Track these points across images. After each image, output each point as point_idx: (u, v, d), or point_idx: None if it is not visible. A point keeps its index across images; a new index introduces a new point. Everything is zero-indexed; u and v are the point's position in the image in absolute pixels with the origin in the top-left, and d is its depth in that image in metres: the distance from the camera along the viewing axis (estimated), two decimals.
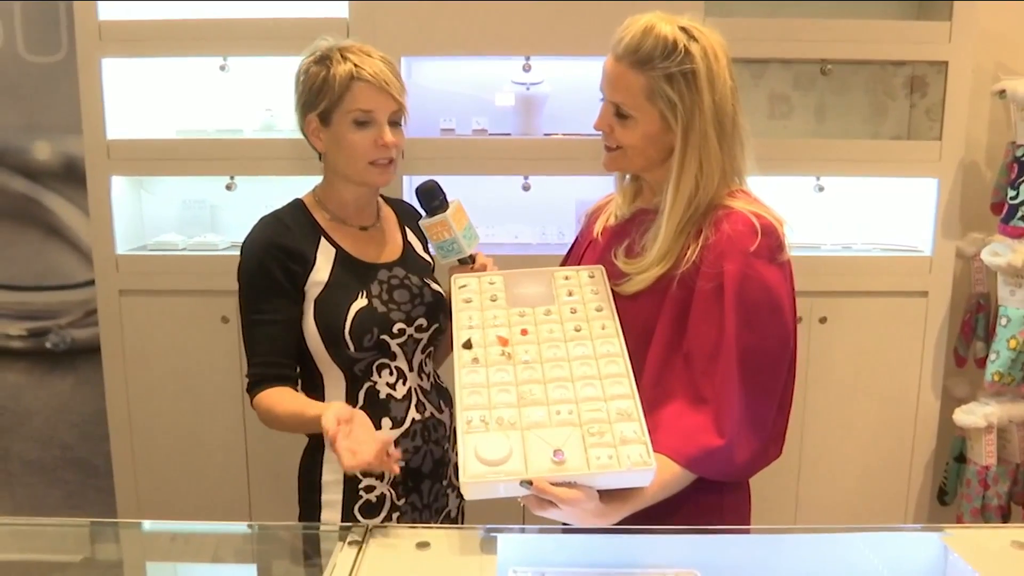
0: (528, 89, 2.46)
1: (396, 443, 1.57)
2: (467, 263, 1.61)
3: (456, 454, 1.74)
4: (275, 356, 1.57)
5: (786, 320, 1.37)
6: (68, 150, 2.70)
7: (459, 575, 1.13)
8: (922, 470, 2.54)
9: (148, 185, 2.62)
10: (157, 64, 2.51)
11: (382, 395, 1.62)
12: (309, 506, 1.64)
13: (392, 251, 1.71)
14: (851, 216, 2.64)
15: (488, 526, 1.22)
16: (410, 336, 1.63)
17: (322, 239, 1.62)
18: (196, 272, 2.45)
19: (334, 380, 1.61)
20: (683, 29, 1.36)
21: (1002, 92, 2.36)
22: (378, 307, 1.59)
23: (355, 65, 1.54)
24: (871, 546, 1.23)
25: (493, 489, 1.17)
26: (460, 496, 1.76)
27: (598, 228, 1.58)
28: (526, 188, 2.46)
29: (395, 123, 1.61)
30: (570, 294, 1.45)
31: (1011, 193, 2.37)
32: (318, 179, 1.72)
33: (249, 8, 2.44)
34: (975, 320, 2.55)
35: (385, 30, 2.31)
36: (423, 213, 1.60)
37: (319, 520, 1.61)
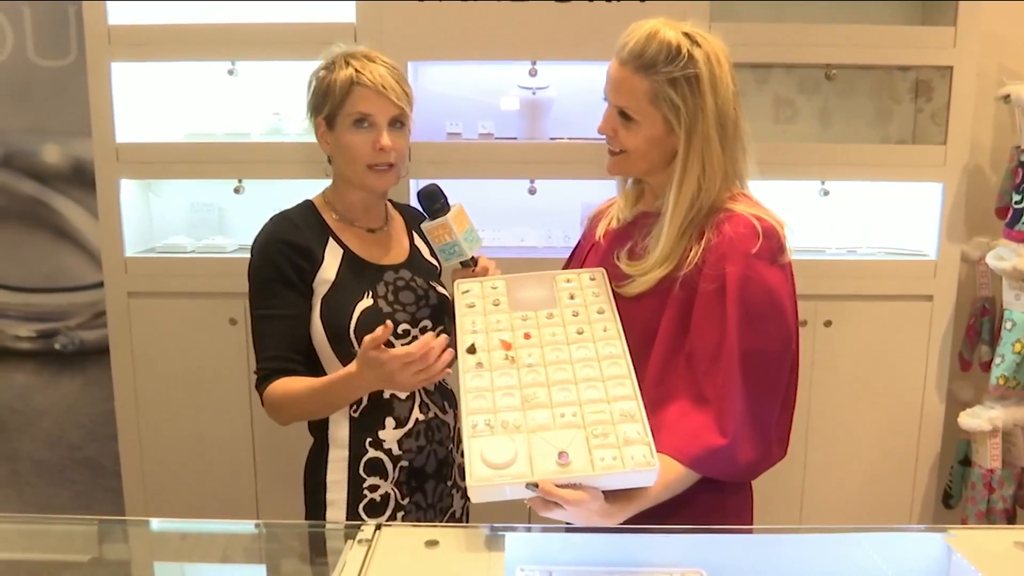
0: (534, 93, 2.47)
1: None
2: (469, 266, 1.63)
3: (461, 455, 1.77)
4: (284, 351, 1.59)
5: (787, 321, 1.38)
6: (77, 153, 2.73)
7: (467, 573, 1.14)
8: (927, 473, 2.55)
9: (156, 188, 2.64)
10: (166, 68, 2.53)
11: (386, 395, 1.63)
12: (314, 505, 1.65)
13: (399, 253, 1.73)
14: (856, 220, 2.65)
15: (495, 525, 1.23)
16: (414, 337, 1.65)
17: (330, 239, 1.64)
18: (204, 274, 2.46)
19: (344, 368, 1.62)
20: (686, 35, 1.38)
21: (1007, 96, 2.36)
22: (383, 307, 1.61)
23: (356, 70, 1.58)
24: (875, 546, 1.23)
25: (499, 492, 1.19)
26: (465, 497, 1.77)
27: (600, 231, 1.59)
28: (532, 192, 2.48)
29: (397, 128, 1.63)
30: (572, 297, 1.46)
31: (1016, 197, 2.37)
32: (325, 182, 1.75)
33: (257, 13, 2.46)
34: (980, 324, 2.56)
35: (392, 35, 2.33)
36: (425, 216, 1.62)
37: (324, 519, 1.63)
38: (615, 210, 1.59)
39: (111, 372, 2.53)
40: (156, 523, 1.75)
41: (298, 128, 2.49)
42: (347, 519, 1.61)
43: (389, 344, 1.60)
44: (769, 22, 2.51)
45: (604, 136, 1.48)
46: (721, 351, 1.34)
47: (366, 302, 1.60)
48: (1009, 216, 2.39)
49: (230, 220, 2.67)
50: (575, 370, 1.33)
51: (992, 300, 2.54)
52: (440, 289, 1.73)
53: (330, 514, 1.62)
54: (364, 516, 1.62)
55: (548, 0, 2.34)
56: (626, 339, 1.38)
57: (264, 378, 1.59)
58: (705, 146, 1.38)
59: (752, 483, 1.50)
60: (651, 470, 1.19)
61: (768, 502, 2.16)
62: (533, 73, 2.42)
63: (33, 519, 1.85)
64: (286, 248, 1.59)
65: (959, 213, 2.44)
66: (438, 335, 1.68)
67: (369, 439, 1.63)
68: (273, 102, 2.58)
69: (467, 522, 1.81)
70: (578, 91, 2.53)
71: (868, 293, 2.46)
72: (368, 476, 1.62)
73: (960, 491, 2.57)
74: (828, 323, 2.47)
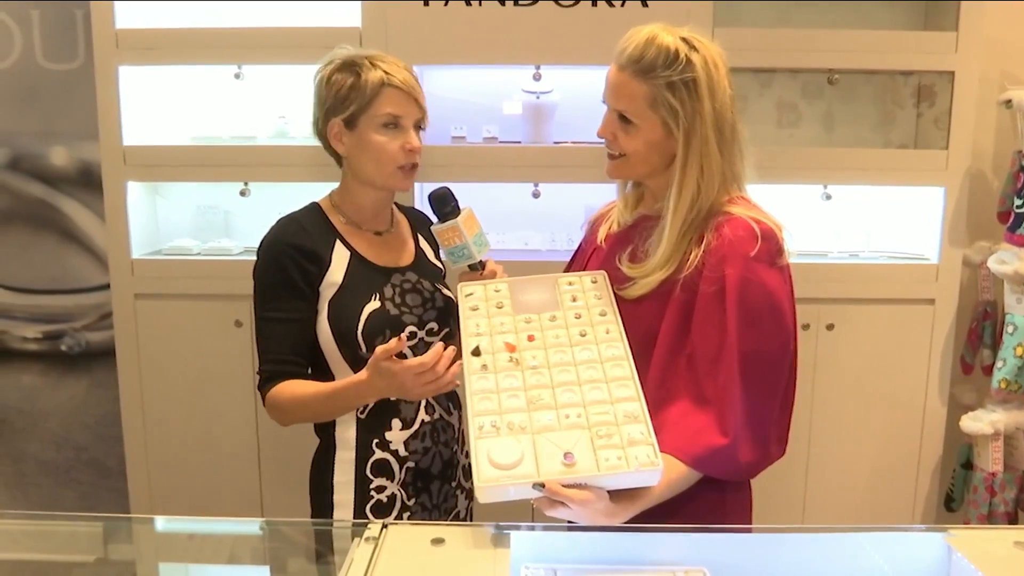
0: (538, 98, 2.49)
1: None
2: (477, 269, 1.64)
3: (466, 456, 1.78)
4: (288, 354, 1.60)
5: (786, 322, 1.40)
6: (84, 156, 2.74)
7: (473, 571, 1.15)
8: (929, 477, 2.56)
9: (163, 191, 2.66)
10: (173, 72, 2.55)
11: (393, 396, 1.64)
12: (321, 507, 1.66)
13: (405, 256, 1.74)
14: (858, 224, 2.66)
15: (500, 523, 1.25)
16: (421, 339, 1.66)
17: (337, 242, 1.65)
18: (210, 276, 2.48)
19: (353, 375, 1.63)
20: (684, 40, 1.40)
21: (1008, 102, 2.37)
22: (390, 310, 1.62)
23: (385, 72, 1.59)
24: (876, 546, 1.24)
25: (506, 492, 1.20)
26: (469, 497, 1.79)
27: (601, 235, 1.61)
28: (536, 195, 2.49)
29: (417, 130, 1.65)
30: (574, 300, 1.47)
31: (1017, 202, 2.38)
32: (331, 185, 1.75)
33: (264, 17, 2.48)
34: (982, 327, 2.56)
35: (398, 39, 2.34)
36: (436, 218, 1.63)
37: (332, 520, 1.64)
38: (616, 214, 1.61)
39: (117, 373, 2.55)
40: (163, 521, 1.76)
41: (304, 131, 2.51)
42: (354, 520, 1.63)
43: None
44: (772, 27, 2.53)
45: (604, 140, 1.50)
46: (721, 352, 1.35)
47: (374, 304, 1.61)
48: (1011, 220, 2.40)
49: (236, 223, 2.69)
50: (579, 372, 1.35)
51: (994, 304, 2.55)
52: (446, 291, 1.75)
53: (337, 515, 1.63)
54: (371, 517, 1.62)
55: (552, 5, 2.35)
56: (629, 341, 1.39)
57: (267, 380, 1.60)
58: (703, 149, 1.40)
59: (752, 483, 1.52)
60: (655, 470, 1.21)
61: (771, 505, 2.17)
62: (537, 77, 2.44)
63: (38, 516, 1.85)
64: (293, 251, 1.60)
65: (961, 217, 2.45)
66: (444, 338, 1.70)
67: (376, 440, 1.64)
68: (279, 106, 2.60)
69: (471, 522, 1.82)
70: (582, 95, 2.54)
71: (870, 297, 2.47)
72: (375, 477, 1.63)
73: (962, 494, 2.58)
74: (831, 326, 2.48)
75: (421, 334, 1.66)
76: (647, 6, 2.34)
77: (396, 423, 1.64)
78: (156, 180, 2.56)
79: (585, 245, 1.70)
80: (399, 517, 1.65)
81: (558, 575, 1.22)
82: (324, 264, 1.61)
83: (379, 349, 1.45)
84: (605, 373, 1.34)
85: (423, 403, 1.67)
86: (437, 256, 1.81)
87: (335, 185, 1.74)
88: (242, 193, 2.50)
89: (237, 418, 2.52)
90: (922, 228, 2.55)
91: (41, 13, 2.67)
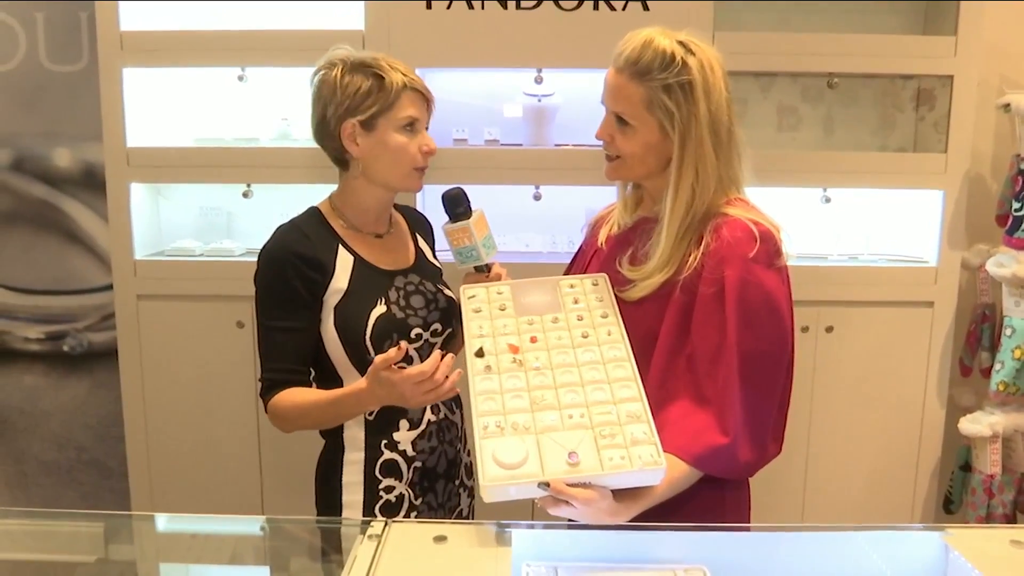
0: (540, 101, 2.50)
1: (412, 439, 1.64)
2: (483, 271, 1.66)
3: (468, 455, 1.79)
4: (291, 363, 1.60)
5: (784, 322, 1.41)
6: (88, 157, 2.75)
7: (475, 568, 1.16)
8: (927, 479, 2.56)
9: (166, 192, 2.67)
10: (177, 74, 2.56)
11: None
12: (329, 507, 1.67)
13: (406, 257, 1.75)
14: (858, 227, 2.67)
15: (502, 521, 1.26)
16: (426, 340, 1.67)
17: (340, 247, 1.65)
18: (212, 277, 2.49)
19: (353, 384, 1.64)
20: (681, 43, 1.42)
21: (1007, 105, 2.38)
22: (396, 313, 1.63)
23: (403, 74, 1.61)
24: (874, 545, 1.25)
25: (511, 491, 1.22)
26: (471, 495, 1.80)
27: (602, 237, 1.62)
28: (537, 198, 2.50)
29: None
30: (576, 302, 1.49)
31: (1016, 205, 2.39)
32: (332, 187, 1.75)
33: (267, 20, 2.50)
34: (980, 330, 2.57)
35: (400, 42, 2.36)
36: (447, 217, 1.64)
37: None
38: (616, 216, 1.62)
39: (119, 374, 2.55)
40: (167, 519, 1.77)
41: (307, 134, 2.51)
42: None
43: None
44: (773, 31, 2.54)
45: (602, 142, 1.51)
46: (721, 353, 1.37)
47: (380, 309, 1.62)
48: (1009, 223, 2.41)
49: (238, 224, 2.70)
50: (581, 373, 1.36)
51: (992, 306, 2.56)
52: (447, 291, 1.76)
53: (346, 515, 1.64)
54: (380, 517, 1.63)
55: (554, 8, 2.37)
56: (630, 342, 1.41)
57: (269, 388, 1.60)
58: (698, 151, 1.42)
59: (751, 485, 1.53)
60: (658, 469, 1.23)
61: (770, 507, 2.17)
62: (539, 80, 2.45)
63: (38, 514, 1.86)
64: (296, 260, 1.59)
65: (960, 220, 2.46)
66: (447, 338, 1.72)
67: (384, 441, 1.65)
68: (282, 108, 2.61)
69: (474, 520, 1.82)
70: (583, 98, 2.55)
71: (869, 299, 2.48)
72: (384, 477, 1.64)
73: (960, 496, 2.59)
74: (830, 329, 2.49)
75: (426, 335, 1.67)
76: (648, 9, 2.35)
77: (404, 423, 1.65)
78: (159, 181, 2.57)
79: (586, 247, 1.71)
80: (407, 516, 1.66)
81: (559, 573, 1.23)
82: (328, 271, 1.61)
83: (379, 358, 1.46)
84: (607, 374, 1.36)
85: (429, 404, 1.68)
86: (435, 256, 1.82)
87: (334, 187, 1.74)
88: (245, 195, 2.51)
89: (239, 419, 2.53)
90: (921, 231, 2.57)
91: (45, 15, 2.69)
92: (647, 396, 1.33)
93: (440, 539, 1.22)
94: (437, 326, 1.69)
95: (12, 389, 2.92)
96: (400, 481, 1.65)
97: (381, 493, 1.64)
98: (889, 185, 2.49)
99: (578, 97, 2.53)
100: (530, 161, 2.45)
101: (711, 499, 1.41)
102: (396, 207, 1.83)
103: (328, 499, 1.67)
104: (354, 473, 1.64)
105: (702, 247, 1.41)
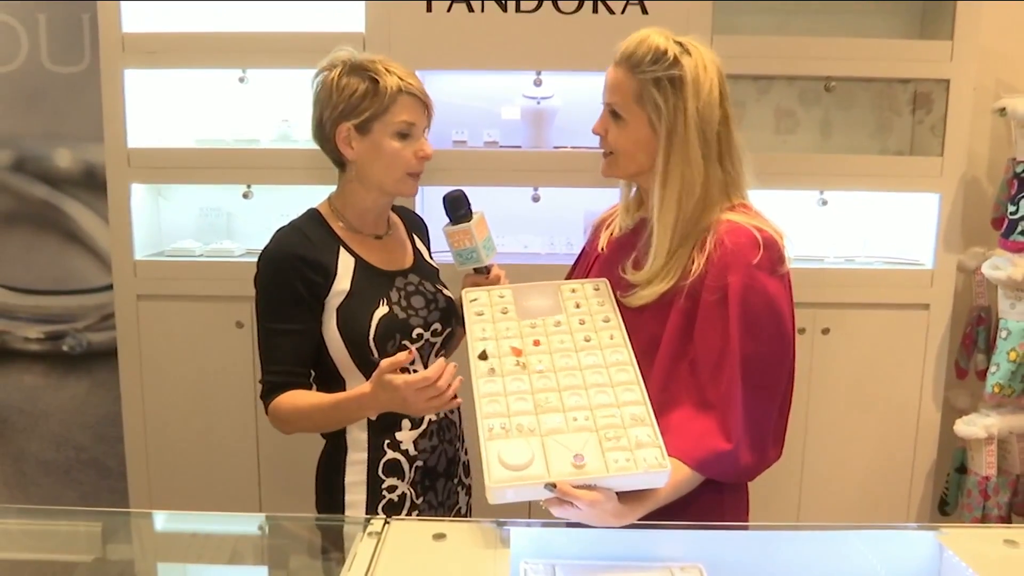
0: (539, 103, 2.51)
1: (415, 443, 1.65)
2: (482, 272, 1.67)
3: (466, 454, 1.80)
4: (291, 365, 1.60)
5: (786, 329, 1.42)
6: (88, 158, 2.76)
7: (474, 566, 1.17)
8: (923, 480, 2.58)
9: (166, 192, 2.68)
10: (178, 75, 2.57)
11: None
12: (332, 507, 1.66)
13: (405, 258, 1.75)
14: (854, 229, 2.69)
15: (500, 519, 1.27)
16: (427, 340, 1.68)
17: (341, 249, 1.64)
18: (212, 278, 2.50)
19: (356, 385, 1.64)
20: (678, 43, 1.43)
21: (1002, 109, 2.39)
22: (399, 313, 1.63)
23: (400, 78, 1.59)
24: (869, 544, 1.27)
25: (517, 493, 1.22)
26: (469, 494, 1.81)
27: (603, 241, 1.63)
28: (536, 199, 2.52)
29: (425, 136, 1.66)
30: (577, 306, 1.49)
31: (1011, 208, 2.41)
32: (333, 188, 1.74)
33: (268, 22, 2.51)
34: (976, 332, 2.59)
35: (400, 44, 2.37)
36: (448, 219, 1.65)
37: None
38: (618, 219, 1.63)
39: (118, 374, 2.56)
40: (166, 517, 1.78)
41: (307, 135, 2.52)
42: None
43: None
44: (771, 35, 2.56)
45: (599, 137, 1.53)
46: (723, 358, 1.37)
47: (382, 310, 1.62)
48: (1004, 227, 2.43)
49: (238, 225, 2.72)
50: (584, 376, 1.37)
51: (988, 309, 2.57)
52: (446, 291, 1.76)
53: (350, 515, 1.64)
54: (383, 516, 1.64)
55: (554, 12, 2.38)
56: (632, 347, 1.41)
57: (270, 390, 1.60)
58: (683, 149, 1.41)
59: (749, 487, 1.54)
60: (663, 471, 1.23)
61: (766, 508, 2.19)
62: (538, 83, 2.46)
63: (37, 513, 1.87)
64: (299, 263, 1.58)
65: (956, 223, 2.48)
66: (446, 338, 1.73)
67: (387, 441, 1.65)
68: (282, 109, 2.62)
69: (472, 518, 1.83)
70: (581, 101, 2.56)
71: (866, 301, 2.50)
72: (387, 477, 1.65)
73: (956, 498, 2.60)
74: (826, 331, 2.50)
75: (427, 335, 1.67)
76: (647, 13, 2.37)
77: (406, 423, 1.66)
78: (160, 182, 2.58)
79: (588, 248, 1.72)
80: (408, 515, 1.66)
81: (557, 570, 1.24)
82: (330, 274, 1.61)
83: (385, 361, 1.45)
84: (610, 378, 1.36)
85: None
86: (431, 256, 1.83)
87: (332, 188, 1.73)
88: (245, 195, 2.52)
89: (237, 419, 2.54)
90: (917, 234, 2.58)
91: (47, 16, 2.70)
92: (652, 401, 1.33)
93: (439, 537, 1.23)
94: (437, 326, 1.70)
95: (11, 389, 2.92)
96: (402, 480, 1.66)
97: (384, 492, 1.65)
98: (886, 188, 2.51)
99: (577, 100, 2.54)
100: (529, 163, 2.47)
101: (711, 501, 1.41)
102: (393, 208, 1.83)
103: (330, 499, 1.67)
104: (357, 473, 1.65)
105: (706, 253, 1.41)
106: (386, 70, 1.59)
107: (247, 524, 1.64)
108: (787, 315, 1.43)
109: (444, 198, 1.63)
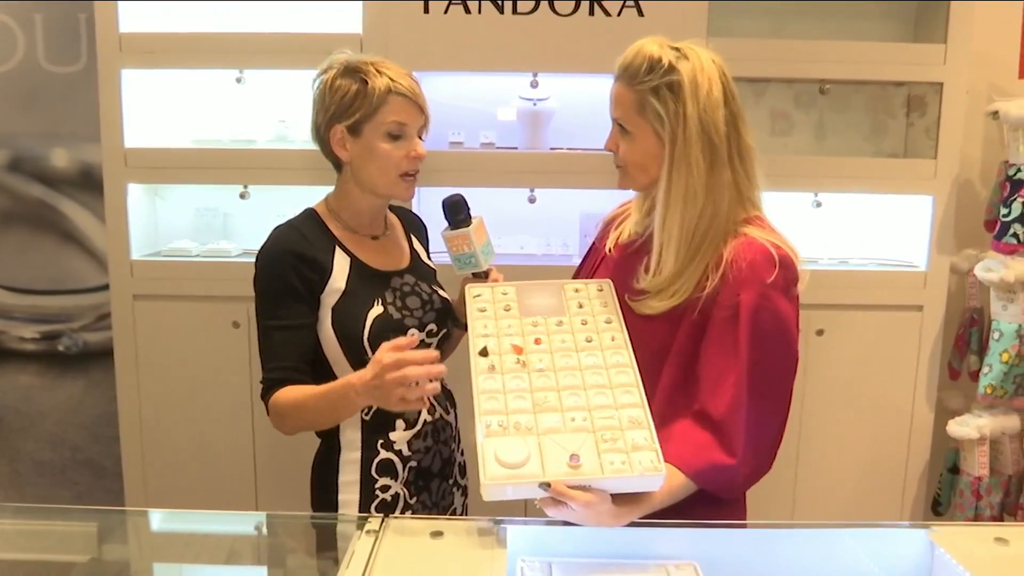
0: (535, 105, 2.52)
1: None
2: (480, 277, 1.67)
3: (462, 455, 1.81)
4: (292, 360, 1.59)
5: (793, 348, 1.43)
6: (85, 157, 2.77)
7: (471, 564, 1.18)
8: (916, 481, 2.59)
9: (163, 193, 2.68)
10: (175, 75, 2.57)
11: None
12: (325, 506, 1.67)
13: (402, 259, 1.76)
14: (848, 231, 2.70)
15: (497, 518, 1.27)
16: (422, 341, 1.68)
17: (337, 248, 1.65)
18: (208, 278, 2.50)
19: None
20: (675, 49, 1.43)
21: (995, 113, 2.41)
22: (393, 314, 1.64)
23: (391, 79, 1.58)
24: (861, 542, 1.28)
25: (512, 491, 1.23)
26: (465, 494, 1.82)
27: (611, 242, 1.63)
28: (532, 200, 2.52)
29: (420, 137, 1.65)
30: (580, 306, 1.50)
31: (1003, 211, 2.42)
32: (330, 189, 1.75)
33: (266, 23, 2.51)
34: (969, 334, 2.60)
35: (397, 45, 2.38)
36: (447, 223, 1.65)
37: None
38: (629, 223, 1.62)
39: (114, 374, 2.56)
40: (162, 516, 1.78)
41: (304, 135, 2.53)
42: None
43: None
44: (766, 38, 2.57)
45: (611, 152, 1.53)
46: (732, 375, 1.37)
47: (377, 309, 1.63)
48: (997, 229, 2.44)
49: (235, 225, 2.72)
50: (584, 376, 1.37)
51: (980, 311, 2.59)
52: (442, 292, 1.77)
53: (345, 514, 1.64)
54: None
55: (550, 14, 2.39)
56: (639, 355, 1.41)
57: (269, 387, 1.59)
58: (686, 151, 1.41)
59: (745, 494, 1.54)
60: (658, 475, 1.24)
61: (760, 509, 2.19)
62: (534, 85, 2.47)
63: (32, 512, 1.86)
64: (295, 260, 1.59)
65: (949, 225, 2.49)
66: (442, 339, 1.73)
67: (381, 441, 1.65)
68: (279, 110, 2.62)
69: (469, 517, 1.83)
70: (578, 103, 2.59)
71: (859, 303, 2.51)
72: (380, 477, 1.65)
73: (949, 498, 2.62)
74: (820, 332, 2.51)
75: (421, 336, 1.68)
76: (643, 15, 2.38)
77: (400, 423, 1.66)
78: (157, 182, 2.58)
79: (598, 243, 1.71)
80: (401, 515, 1.66)
81: (553, 568, 1.25)
82: (326, 272, 1.61)
83: (386, 344, 1.42)
84: (610, 379, 1.37)
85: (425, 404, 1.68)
86: (429, 257, 1.84)
87: (330, 189, 1.74)
88: (242, 196, 2.53)
89: (234, 419, 2.54)
90: (911, 236, 2.60)
91: (44, 16, 2.70)
92: (655, 410, 1.33)
93: (436, 535, 1.24)
94: (432, 326, 1.70)
95: (7, 388, 2.92)
96: (396, 480, 1.66)
97: (377, 492, 1.65)
98: (879, 190, 2.52)
99: (573, 101, 2.55)
100: (525, 164, 2.48)
101: (708, 507, 1.41)
102: (391, 208, 1.83)
103: (324, 499, 1.68)
104: (350, 472, 1.65)
105: (721, 270, 1.40)
106: (377, 71, 1.59)
107: (244, 523, 1.64)
108: (794, 334, 1.43)
109: (443, 202, 1.64)
